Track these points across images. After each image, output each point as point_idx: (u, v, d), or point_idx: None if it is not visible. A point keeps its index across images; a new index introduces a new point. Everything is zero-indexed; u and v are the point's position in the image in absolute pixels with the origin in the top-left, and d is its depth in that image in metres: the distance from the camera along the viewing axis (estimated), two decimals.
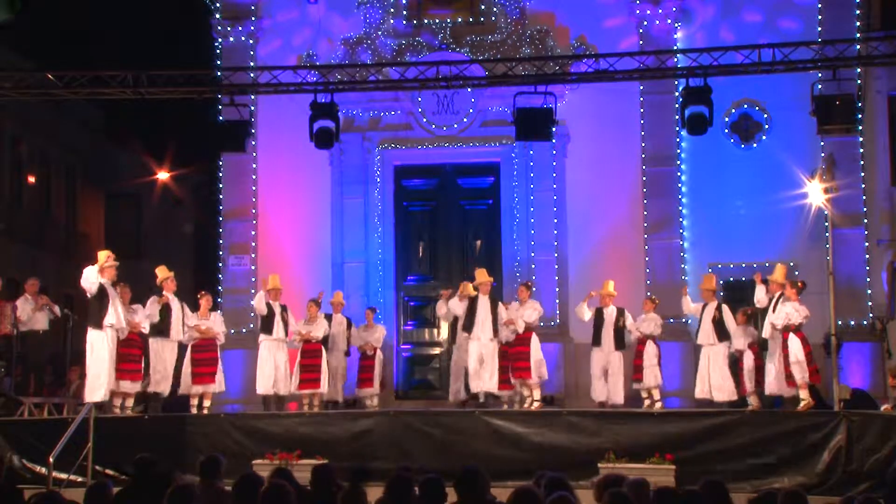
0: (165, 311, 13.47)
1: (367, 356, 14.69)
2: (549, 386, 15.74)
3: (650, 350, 14.09)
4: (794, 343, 12.46)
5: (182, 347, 13.86)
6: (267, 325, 14.08)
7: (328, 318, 14.64)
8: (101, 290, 12.57)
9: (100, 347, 12.49)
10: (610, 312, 14.35)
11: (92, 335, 12.56)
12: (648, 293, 14.83)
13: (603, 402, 14.21)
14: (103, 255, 12.86)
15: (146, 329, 13.37)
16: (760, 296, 13.28)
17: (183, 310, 13.73)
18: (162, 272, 13.79)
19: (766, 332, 13.06)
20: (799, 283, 12.89)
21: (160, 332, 13.48)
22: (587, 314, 14.43)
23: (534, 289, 15.37)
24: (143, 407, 13.78)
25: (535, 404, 13.55)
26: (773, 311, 12.83)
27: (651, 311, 14.28)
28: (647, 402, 14.02)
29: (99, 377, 12.46)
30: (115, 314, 12.60)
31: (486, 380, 13.80)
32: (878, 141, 16.91)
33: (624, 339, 14.31)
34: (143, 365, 13.34)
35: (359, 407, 14.62)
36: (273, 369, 13.95)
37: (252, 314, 15.78)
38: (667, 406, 14.32)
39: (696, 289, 15.60)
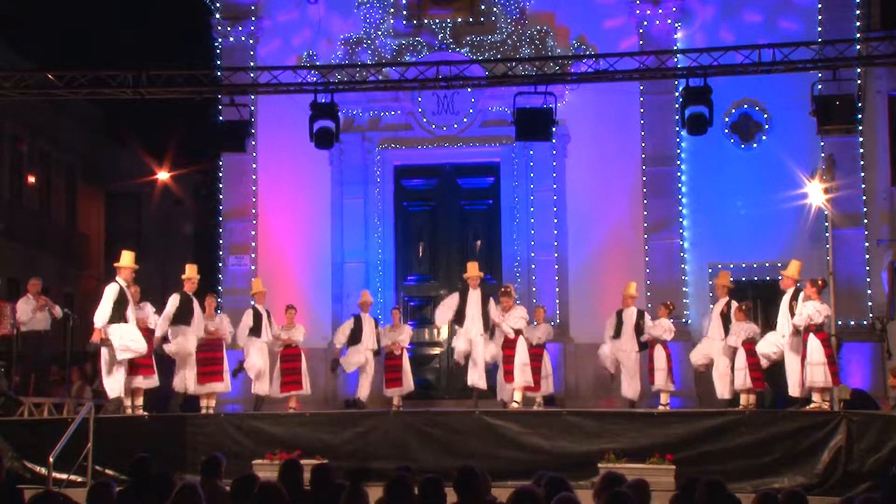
0: (186, 305, 13.48)
1: (395, 356, 14.67)
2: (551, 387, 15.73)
3: (659, 354, 14.08)
4: (814, 344, 12.39)
5: None
6: (255, 328, 14.19)
7: (356, 318, 14.68)
8: (121, 295, 12.66)
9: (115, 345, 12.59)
10: (630, 314, 14.33)
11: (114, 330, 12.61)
12: (667, 301, 14.77)
13: (633, 402, 14.15)
14: (127, 258, 12.96)
15: (152, 325, 13.39)
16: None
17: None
18: (190, 270, 13.79)
19: (779, 328, 12.99)
20: (820, 282, 12.83)
21: (182, 321, 13.45)
22: (606, 353, 14.39)
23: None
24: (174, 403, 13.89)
25: (513, 405, 13.48)
26: (789, 307, 12.76)
27: (664, 317, 14.25)
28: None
29: (117, 373, 12.58)
30: (132, 317, 12.76)
31: (475, 377, 13.83)
32: (878, 141, 16.91)
33: (644, 342, 14.29)
34: (151, 361, 13.36)
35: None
36: (262, 367, 14.13)
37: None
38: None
39: (698, 288, 15.69)
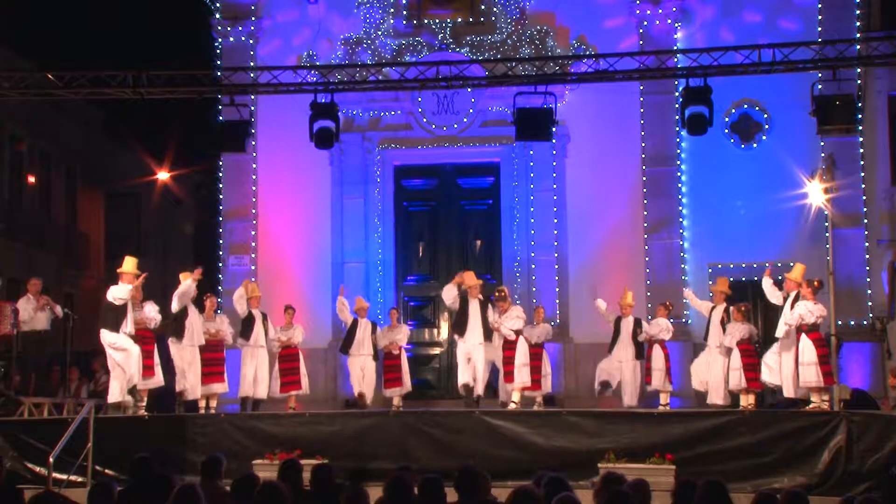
0: (182, 314, 13.47)
1: (393, 356, 14.67)
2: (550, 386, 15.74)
3: (657, 354, 14.07)
4: (805, 344, 12.38)
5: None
6: (246, 330, 14.20)
7: (354, 322, 14.69)
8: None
9: (120, 347, 12.60)
10: (628, 322, 14.30)
11: (108, 336, 12.63)
12: (666, 301, 14.77)
13: (604, 387, 14.20)
14: (130, 263, 12.95)
15: (152, 325, 13.40)
16: (767, 286, 13.21)
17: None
18: (185, 279, 13.74)
19: (779, 332, 12.99)
20: (816, 283, 12.80)
21: (175, 335, 13.46)
22: (603, 307, 14.47)
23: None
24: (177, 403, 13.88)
25: (512, 405, 13.48)
26: (791, 309, 12.76)
27: (663, 317, 14.23)
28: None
29: (121, 377, 12.60)
30: (131, 323, 12.77)
31: (477, 382, 13.84)
32: (878, 141, 16.91)
33: (642, 348, 14.25)
34: (153, 361, 13.35)
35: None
36: (252, 372, 14.12)
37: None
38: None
39: (698, 288, 15.64)
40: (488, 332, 13.84)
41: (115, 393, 12.66)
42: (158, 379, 13.39)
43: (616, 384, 14.28)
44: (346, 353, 14.64)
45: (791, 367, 12.58)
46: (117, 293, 12.63)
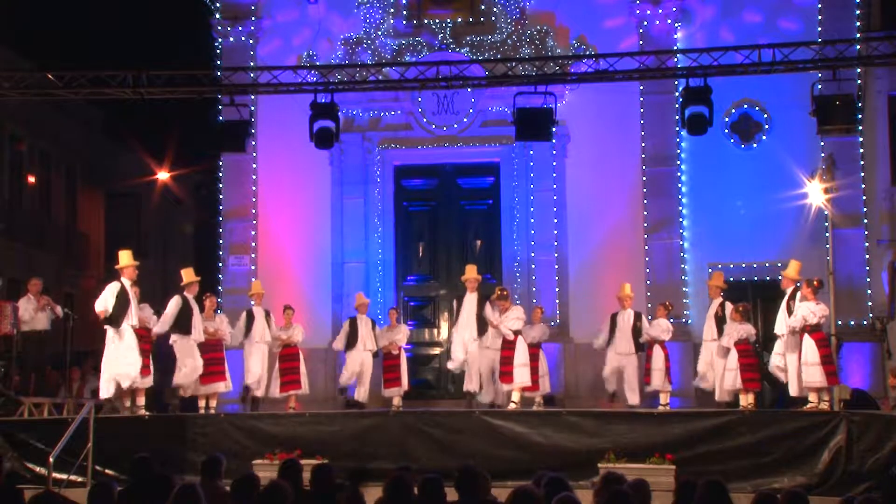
0: (186, 310, 13.46)
1: (392, 356, 14.66)
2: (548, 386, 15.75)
3: (657, 354, 14.07)
4: (809, 344, 12.36)
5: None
6: (247, 328, 14.29)
7: (352, 321, 14.69)
8: (123, 293, 12.61)
9: (120, 343, 12.57)
10: (626, 316, 14.29)
11: (111, 332, 12.61)
12: (666, 301, 14.75)
13: (613, 396, 14.20)
14: (125, 256, 12.91)
15: (151, 325, 13.39)
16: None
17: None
18: (188, 276, 13.74)
19: (778, 328, 12.99)
20: (816, 282, 12.80)
21: (181, 329, 13.44)
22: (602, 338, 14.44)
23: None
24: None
25: (511, 405, 13.47)
26: (787, 307, 12.75)
27: (663, 317, 14.22)
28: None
29: (115, 372, 12.59)
30: (135, 316, 12.76)
31: (471, 380, 13.84)
32: (878, 141, 16.92)
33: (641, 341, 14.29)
34: (149, 360, 13.34)
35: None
36: (253, 363, 14.19)
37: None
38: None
39: (697, 289, 15.65)
40: (482, 328, 13.85)
41: (104, 389, 12.64)
42: (151, 379, 13.39)
43: (617, 382, 14.31)
44: (350, 349, 14.61)
45: (796, 367, 12.58)
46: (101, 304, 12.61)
